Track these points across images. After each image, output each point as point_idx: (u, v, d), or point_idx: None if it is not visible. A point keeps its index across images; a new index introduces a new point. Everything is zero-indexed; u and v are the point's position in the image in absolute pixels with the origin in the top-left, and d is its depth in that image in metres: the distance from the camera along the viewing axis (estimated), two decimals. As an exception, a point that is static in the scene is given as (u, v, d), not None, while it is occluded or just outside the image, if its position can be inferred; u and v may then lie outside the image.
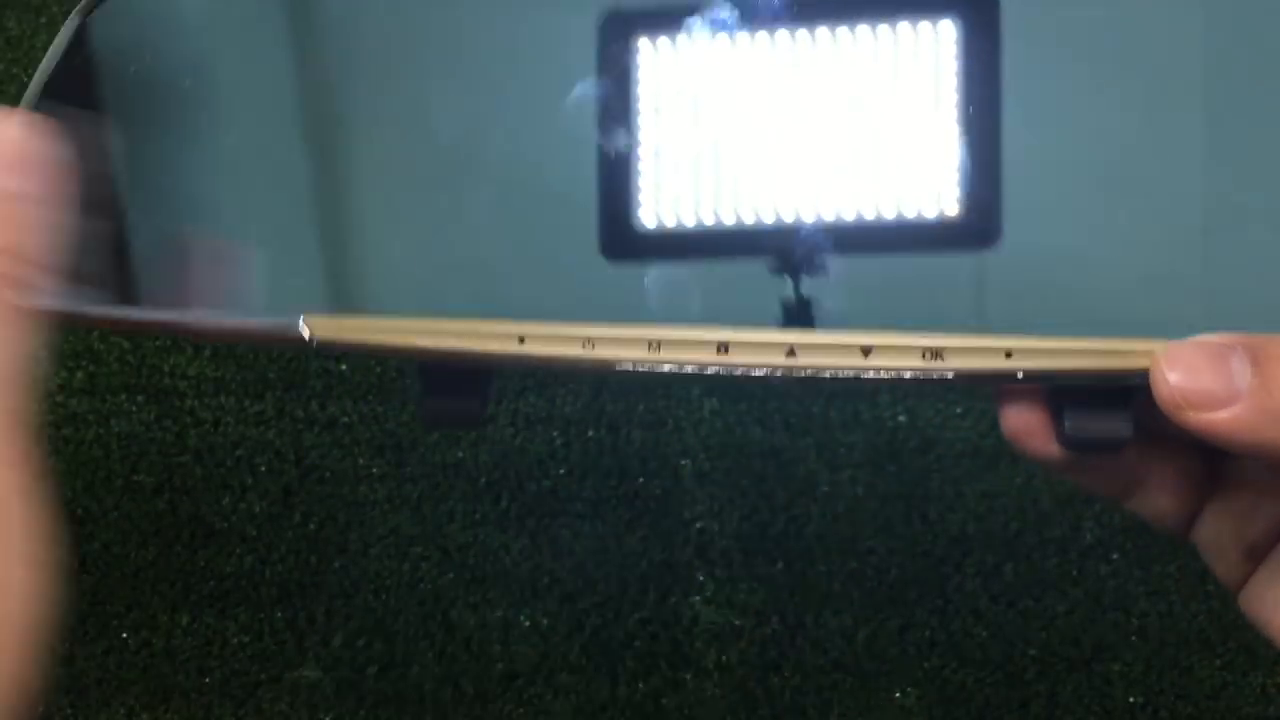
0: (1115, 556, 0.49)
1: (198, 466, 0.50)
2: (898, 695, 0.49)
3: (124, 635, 0.50)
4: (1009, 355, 0.26)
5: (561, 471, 0.50)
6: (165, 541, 0.50)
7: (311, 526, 0.50)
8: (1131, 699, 0.49)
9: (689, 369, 0.27)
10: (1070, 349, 0.26)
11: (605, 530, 0.50)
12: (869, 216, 0.28)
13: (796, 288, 0.27)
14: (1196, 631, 0.49)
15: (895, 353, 0.26)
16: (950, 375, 0.26)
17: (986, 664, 0.49)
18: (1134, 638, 0.49)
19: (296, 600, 0.50)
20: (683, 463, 0.50)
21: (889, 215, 0.28)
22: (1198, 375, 0.23)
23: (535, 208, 0.29)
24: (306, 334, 0.27)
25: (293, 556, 0.50)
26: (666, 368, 0.27)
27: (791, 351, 0.26)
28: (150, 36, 0.29)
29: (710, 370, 0.27)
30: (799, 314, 0.27)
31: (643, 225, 0.28)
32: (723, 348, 0.26)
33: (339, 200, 0.29)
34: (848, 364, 0.26)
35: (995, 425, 0.51)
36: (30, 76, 0.52)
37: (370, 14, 0.29)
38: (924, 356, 0.26)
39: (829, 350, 0.26)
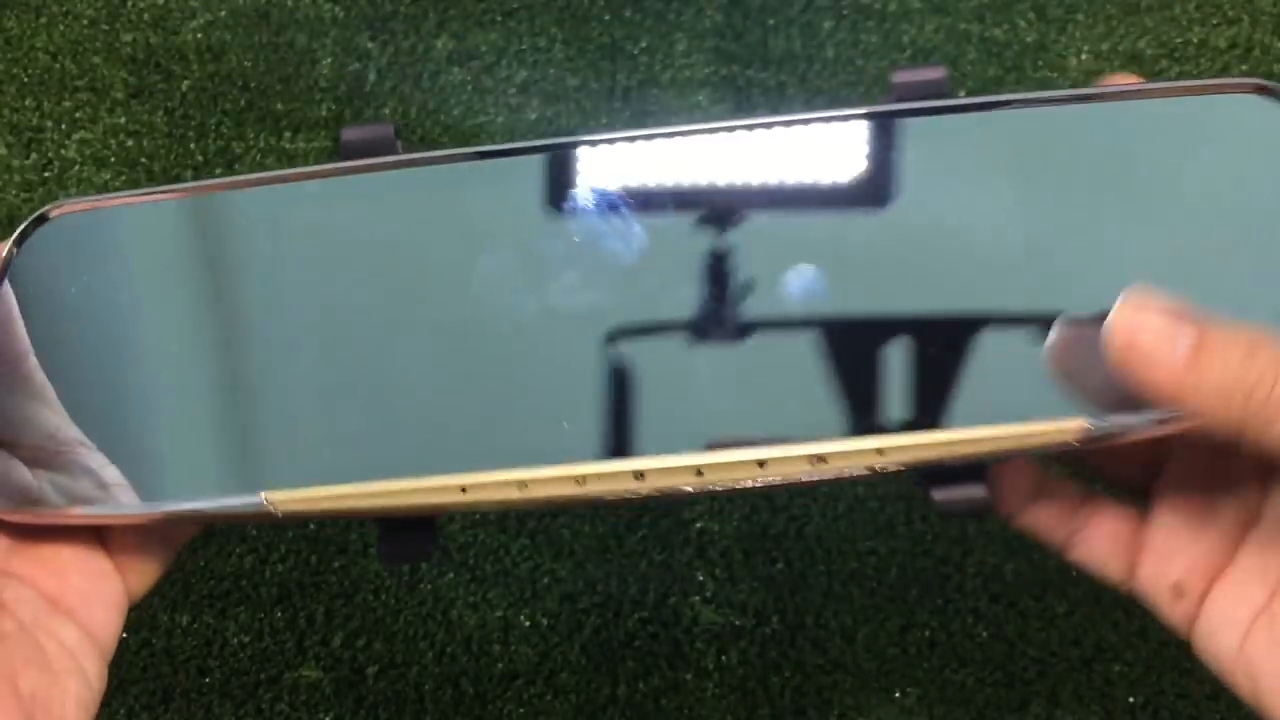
0: (1115, 556, 0.50)
1: (198, 466, 0.51)
2: (898, 695, 0.49)
3: (124, 635, 0.50)
4: (881, 453, 0.31)
5: (561, 471, 0.50)
6: (165, 541, 0.50)
7: (311, 526, 0.50)
8: (1132, 699, 0.49)
9: (612, 497, 0.31)
10: (930, 442, 0.31)
11: (605, 530, 0.50)
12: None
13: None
14: (1197, 631, 0.49)
15: (785, 463, 0.31)
16: (834, 476, 0.31)
17: (987, 664, 0.49)
18: (1134, 638, 0.49)
19: (296, 600, 0.50)
20: (683, 463, 0.50)
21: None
22: (1153, 331, 0.27)
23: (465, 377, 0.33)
24: (272, 510, 0.31)
25: (292, 557, 0.50)
26: (593, 497, 0.31)
27: (699, 472, 0.31)
28: (93, 257, 0.34)
29: (630, 495, 0.31)
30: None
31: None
32: (639, 475, 0.31)
33: (277, 390, 0.33)
34: (747, 476, 0.31)
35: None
36: (29, 76, 0.52)
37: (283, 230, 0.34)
38: (811, 462, 0.31)
39: (731, 467, 0.30)
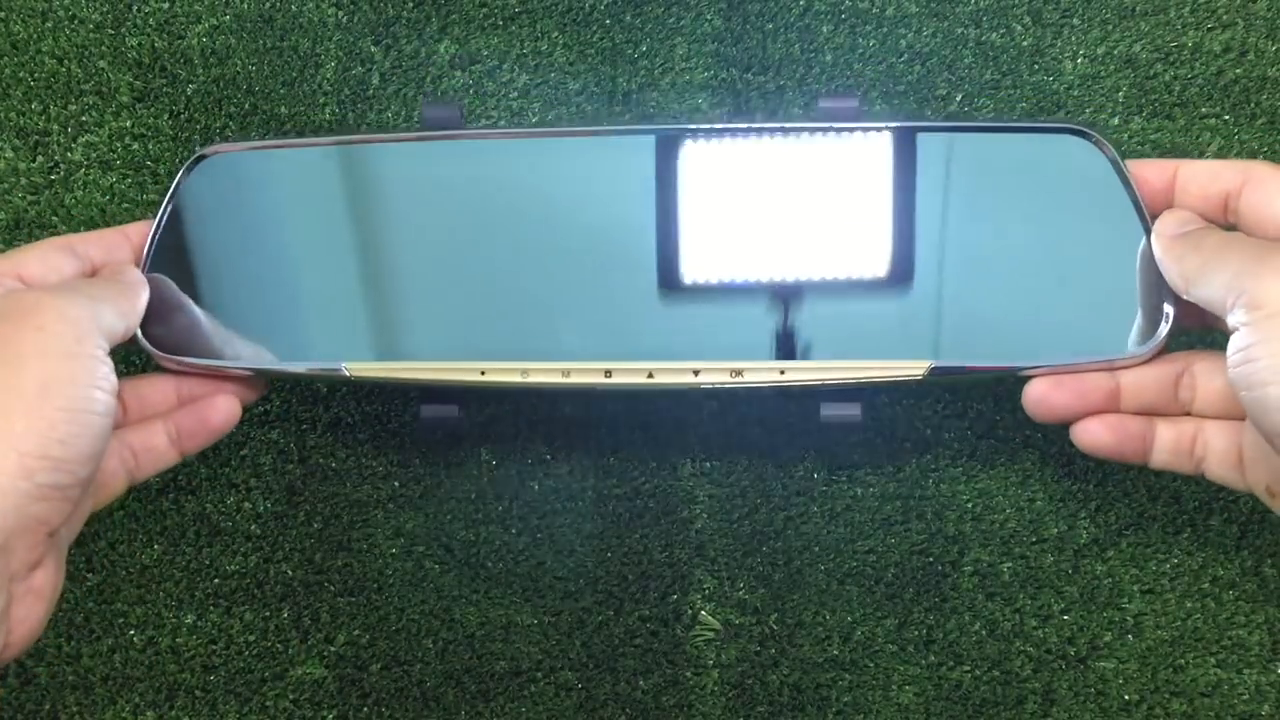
0: (1110, 555, 0.50)
1: (203, 466, 0.51)
2: (895, 693, 0.49)
3: (130, 633, 0.50)
4: (783, 373, 0.43)
5: (563, 471, 0.51)
6: (171, 540, 0.51)
7: (315, 525, 0.51)
8: (1126, 696, 0.49)
9: (590, 386, 0.44)
10: (826, 367, 0.43)
11: (606, 529, 0.50)
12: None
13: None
14: (1191, 629, 0.49)
15: (714, 373, 0.43)
16: (750, 385, 0.43)
17: (983, 661, 0.49)
18: (1129, 636, 0.49)
19: (300, 598, 0.50)
20: (683, 463, 0.51)
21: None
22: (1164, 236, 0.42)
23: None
24: (347, 373, 0.44)
25: (297, 555, 0.50)
26: (573, 386, 0.44)
27: (651, 375, 0.43)
28: (237, 190, 0.46)
29: (600, 388, 0.44)
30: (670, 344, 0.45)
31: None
32: (608, 373, 0.43)
33: (360, 293, 0.46)
34: (685, 381, 0.43)
35: (992, 426, 0.51)
36: (35, 80, 0.52)
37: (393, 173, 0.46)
38: (730, 375, 0.43)
39: (673, 373, 0.43)
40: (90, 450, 0.37)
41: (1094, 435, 0.42)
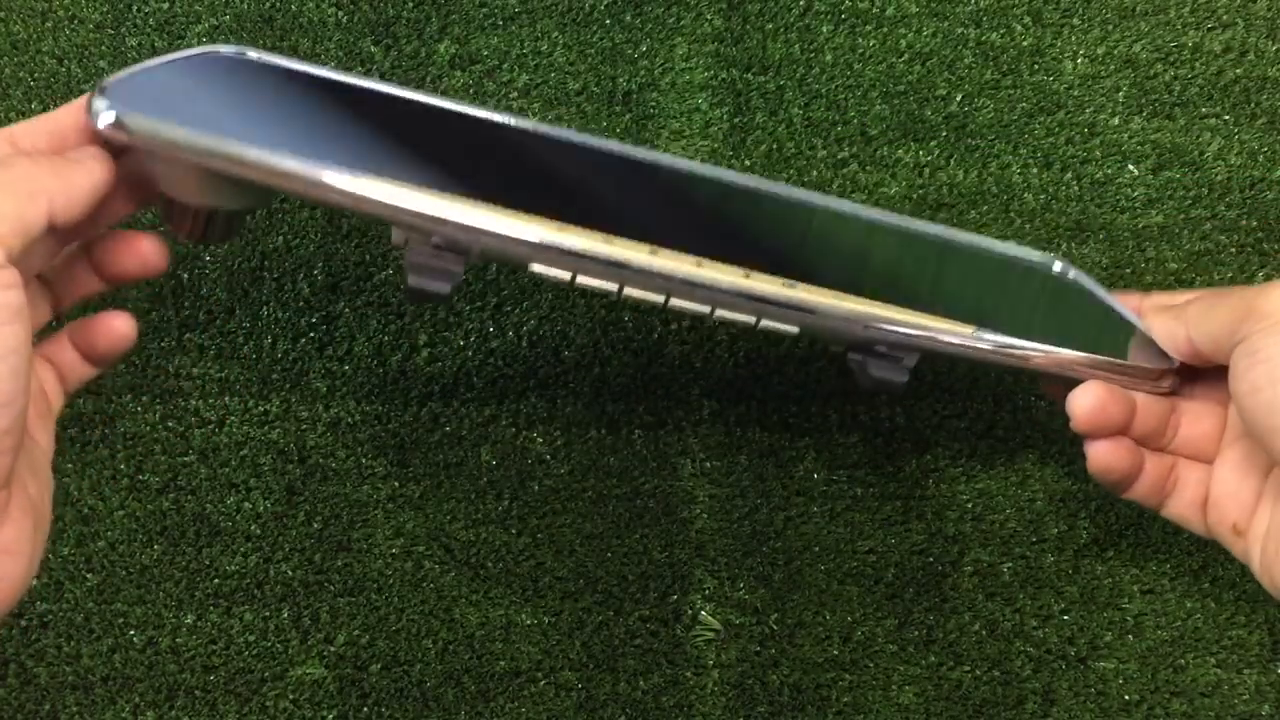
0: (1110, 555, 0.50)
1: (202, 466, 0.51)
2: (895, 693, 0.49)
3: (130, 633, 0.50)
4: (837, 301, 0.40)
5: (563, 471, 0.51)
6: (171, 540, 0.51)
7: (315, 525, 0.51)
8: (1126, 696, 0.49)
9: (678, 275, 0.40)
10: (881, 307, 0.41)
11: (606, 529, 0.50)
12: None
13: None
14: (1191, 629, 0.49)
15: (764, 281, 0.40)
16: (794, 303, 0.40)
17: (983, 661, 0.49)
18: (1129, 636, 0.49)
19: (300, 598, 0.50)
20: (683, 463, 0.51)
21: None
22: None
23: None
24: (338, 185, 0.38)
25: (297, 555, 0.50)
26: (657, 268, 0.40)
27: (700, 264, 0.40)
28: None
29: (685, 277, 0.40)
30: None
31: None
32: (654, 251, 0.40)
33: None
34: (736, 281, 0.40)
35: (992, 426, 0.51)
36: (35, 80, 0.52)
37: None
38: (784, 286, 0.40)
39: (727, 270, 0.40)
40: (7, 394, 0.33)
41: (1114, 457, 0.41)
